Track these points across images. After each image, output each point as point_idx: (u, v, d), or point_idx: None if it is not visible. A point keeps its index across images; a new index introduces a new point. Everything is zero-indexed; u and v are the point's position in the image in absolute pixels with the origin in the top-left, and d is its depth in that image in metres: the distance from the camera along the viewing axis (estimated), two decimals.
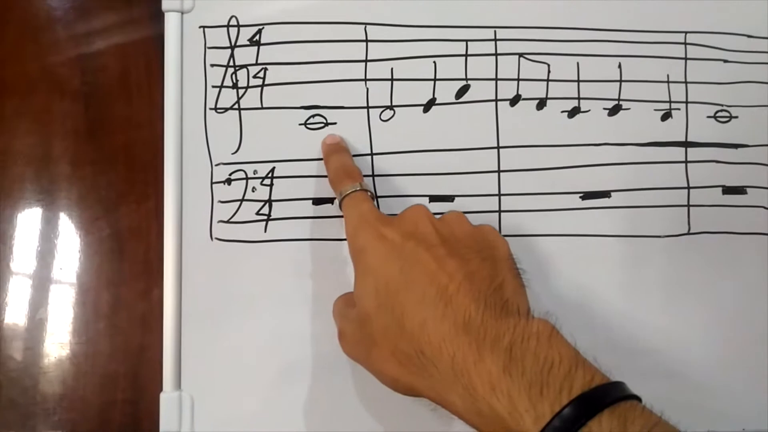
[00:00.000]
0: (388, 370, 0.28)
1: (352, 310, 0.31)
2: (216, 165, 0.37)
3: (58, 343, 0.36)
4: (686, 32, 0.38)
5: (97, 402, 0.36)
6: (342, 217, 0.36)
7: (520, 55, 0.37)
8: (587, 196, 0.37)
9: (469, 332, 0.25)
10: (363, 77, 0.37)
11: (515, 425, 0.23)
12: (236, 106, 0.37)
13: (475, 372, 0.24)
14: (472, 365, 0.24)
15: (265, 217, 0.36)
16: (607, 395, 0.23)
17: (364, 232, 0.30)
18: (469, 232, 0.30)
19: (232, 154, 0.37)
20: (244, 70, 0.37)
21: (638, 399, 0.24)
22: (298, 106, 0.37)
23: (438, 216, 0.31)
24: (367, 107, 0.37)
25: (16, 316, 0.37)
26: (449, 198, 0.37)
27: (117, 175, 0.37)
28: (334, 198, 0.37)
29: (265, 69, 0.37)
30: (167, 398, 0.35)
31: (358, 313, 0.29)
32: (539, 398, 0.23)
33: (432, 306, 0.26)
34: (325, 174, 0.36)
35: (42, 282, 0.37)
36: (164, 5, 0.37)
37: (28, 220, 0.37)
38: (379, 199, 0.37)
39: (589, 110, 0.37)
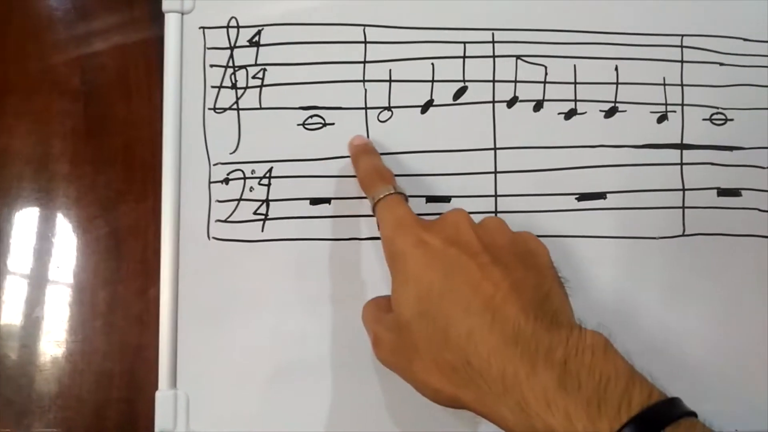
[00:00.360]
0: (430, 381, 0.27)
1: (387, 315, 0.29)
2: (214, 164, 0.37)
3: (54, 341, 0.36)
4: (683, 35, 0.38)
5: (93, 400, 0.36)
6: (340, 216, 0.37)
7: (518, 57, 0.38)
8: (583, 197, 0.37)
9: (520, 344, 0.24)
10: (361, 78, 0.37)
11: None
12: (235, 107, 0.37)
13: (527, 386, 0.23)
14: (525, 379, 0.24)
15: (263, 217, 0.37)
16: (667, 413, 0.22)
17: (403, 236, 0.29)
18: (510, 239, 0.29)
19: (231, 153, 0.37)
20: (243, 70, 0.37)
21: (695, 415, 0.23)
22: (297, 106, 0.37)
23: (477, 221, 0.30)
24: (365, 108, 0.37)
25: (13, 314, 0.37)
26: (446, 199, 0.37)
27: (115, 175, 0.38)
28: (332, 198, 0.37)
29: (264, 69, 0.37)
30: (163, 397, 0.35)
31: (397, 320, 0.28)
32: (597, 416, 0.22)
33: (478, 316, 0.26)
34: (324, 174, 0.37)
35: (39, 280, 0.37)
36: (164, 6, 0.37)
37: (27, 218, 0.37)
38: None
39: (586, 112, 0.38)
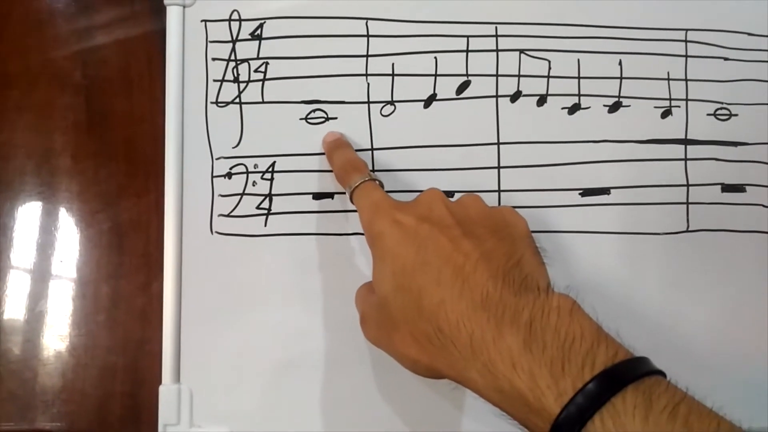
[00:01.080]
0: (408, 352, 0.28)
1: (372, 295, 0.31)
2: (217, 159, 0.37)
3: (57, 335, 0.36)
4: (687, 30, 0.38)
5: (96, 394, 0.36)
6: (343, 211, 0.37)
7: (521, 51, 0.37)
8: (587, 192, 0.37)
9: (488, 309, 0.25)
10: (364, 72, 0.37)
11: (536, 402, 0.23)
12: (237, 100, 0.37)
13: (494, 349, 0.24)
14: (492, 342, 0.24)
15: (266, 212, 0.37)
16: (631, 371, 0.23)
17: (379, 218, 0.30)
18: (485, 213, 0.30)
19: (233, 148, 0.37)
20: (246, 64, 0.37)
21: (663, 374, 0.24)
22: (299, 100, 0.37)
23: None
24: (368, 102, 0.37)
25: (16, 308, 0.37)
26: (449, 194, 0.37)
27: (118, 169, 0.37)
28: (335, 192, 0.37)
29: (267, 63, 0.37)
30: (166, 391, 0.35)
31: (378, 297, 0.29)
32: (561, 374, 0.22)
33: (449, 285, 0.26)
34: (326, 168, 0.37)
35: (42, 275, 0.37)
36: None
37: (29, 212, 0.37)
38: None
39: (590, 107, 0.38)
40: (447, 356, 0.26)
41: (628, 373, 0.22)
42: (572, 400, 0.22)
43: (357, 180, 0.32)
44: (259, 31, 0.37)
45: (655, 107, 0.38)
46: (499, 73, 0.37)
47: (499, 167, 0.37)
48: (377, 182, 0.33)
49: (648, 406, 0.22)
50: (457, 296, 0.26)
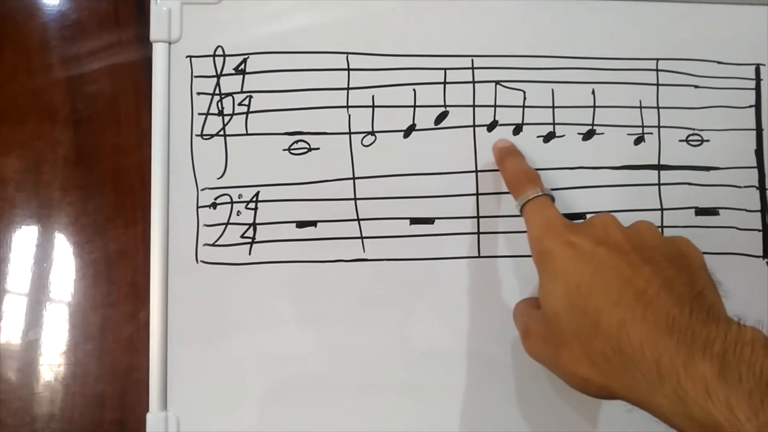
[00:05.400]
0: (580, 371, 0.28)
1: (536, 311, 0.31)
2: (202, 189, 0.38)
3: (47, 364, 0.37)
4: (658, 59, 0.39)
5: (85, 422, 0.37)
6: (326, 239, 0.37)
7: (497, 82, 0.39)
8: None
9: (675, 334, 0.25)
10: (345, 104, 0.38)
11: None
12: (222, 133, 0.38)
13: (685, 375, 0.24)
14: (682, 368, 0.24)
15: (250, 240, 0.37)
16: None
17: (551, 237, 0.30)
18: (661, 241, 0.30)
19: (218, 178, 0.38)
20: (230, 97, 0.38)
21: None
22: (282, 132, 0.38)
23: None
24: (349, 133, 0.38)
25: (6, 337, 0.37)
26: (429, 220, 0.38)
27: (105, 200, 0.38)
28: (318, 221, 0.38)
29: (250, 97, 0.38)
30: (153, 419, 0.36)
31: (545, 313, 0.29)
32: (761, 407, 0.22)
33: (630, 308, 0.26)
34: (310, 197, 0.38)
35: (31, 305, 0.38)
36: (152, 36, 0.38)
37: (18, 244, 0.38)
38: (361, 222, 0.38)
39: (564, 135, 0.39)
40: (626, 378, 0.26)
41: None
42: None
43: (530, 194, 0.33)
44: (242, 66, 0.38)
45: (628, 134, 0.39)
46: (476, 103, 0.38)
47: (477, 194, 0.38)
48: (550, 198, 0.33)
49: None
50: (640, 319, 0.26)
